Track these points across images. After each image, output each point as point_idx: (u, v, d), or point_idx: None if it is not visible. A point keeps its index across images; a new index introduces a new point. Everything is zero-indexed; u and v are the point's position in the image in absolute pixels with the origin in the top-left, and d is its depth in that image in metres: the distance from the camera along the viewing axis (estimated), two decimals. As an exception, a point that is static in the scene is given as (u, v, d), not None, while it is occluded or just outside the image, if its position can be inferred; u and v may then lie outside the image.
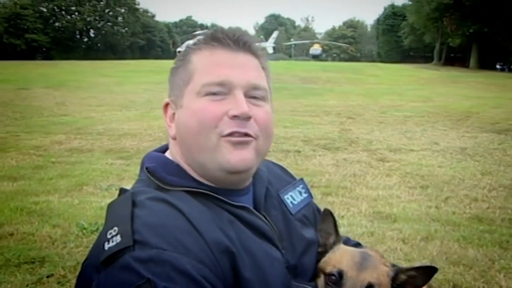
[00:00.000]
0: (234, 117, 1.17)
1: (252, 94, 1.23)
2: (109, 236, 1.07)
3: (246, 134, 1.19)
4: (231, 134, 1.18)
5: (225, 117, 1.17)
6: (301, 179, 1.57)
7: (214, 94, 1.19)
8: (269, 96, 1.29)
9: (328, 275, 1.25)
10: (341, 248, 1.38)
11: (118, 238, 1.05)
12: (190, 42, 1.35)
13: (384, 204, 5.94)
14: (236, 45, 1.24)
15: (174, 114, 1.28)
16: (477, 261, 4.28)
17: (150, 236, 1.04)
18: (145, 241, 1.03)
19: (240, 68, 1.22)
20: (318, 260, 1.37)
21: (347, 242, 1.67)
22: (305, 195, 1.52)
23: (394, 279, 1.31)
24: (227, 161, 1.18)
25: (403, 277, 1.32)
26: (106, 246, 1.05)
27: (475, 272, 4.06)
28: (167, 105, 1.32)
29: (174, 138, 1.28)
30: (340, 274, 1.24)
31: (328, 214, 1.45)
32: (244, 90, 1.20)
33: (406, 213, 5.61)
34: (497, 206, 5.88)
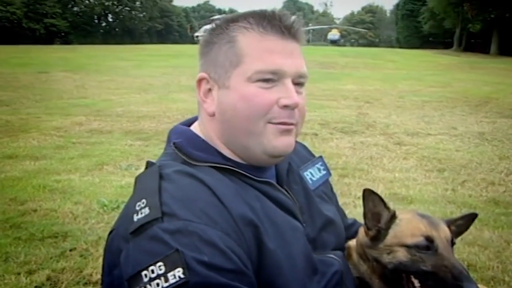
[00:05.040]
0: (285, 106, 1.21)
1: (297, 81, 1.25)
2: (137, 208, 1.10)
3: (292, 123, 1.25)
4: (280, 123, 1.22)
5: (275, 106, 1.20)
6: (320, 157, 1.60)
7: (265, 81, 1.20)
8: None
9: (415, 245, 1.27)
10: (405, 217, 1.36)
11: (146, 210, 1.08)
12: (209, 26, 1.31)
13: (401, 186, 5.97)
14: (287, 32, 1.22)
15: (210, 89, 1.27)
16: (492, 242, 4.31)
17: (178, 208, 1.07)
18: (173, 213, 1.06)
19: (290, 57, 1.22)
20: (375, 239, 1.36)
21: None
22: (323, 172, 1.55)
23: None
24: (273, 146, 1.23)
25: (453, 227, 1.40)
26: (135, 217, 1.09)
27: (490, 252, 4.09)
28: (201, 79, 1.29)
29: (212, 115, 1.27)
30: (429, 239, 1.27)
31: (371, 193, 1.38)
32: (292, 78, 1.22)
33: (422, 195, 5.64)
34: (514, 190, 5.85)
